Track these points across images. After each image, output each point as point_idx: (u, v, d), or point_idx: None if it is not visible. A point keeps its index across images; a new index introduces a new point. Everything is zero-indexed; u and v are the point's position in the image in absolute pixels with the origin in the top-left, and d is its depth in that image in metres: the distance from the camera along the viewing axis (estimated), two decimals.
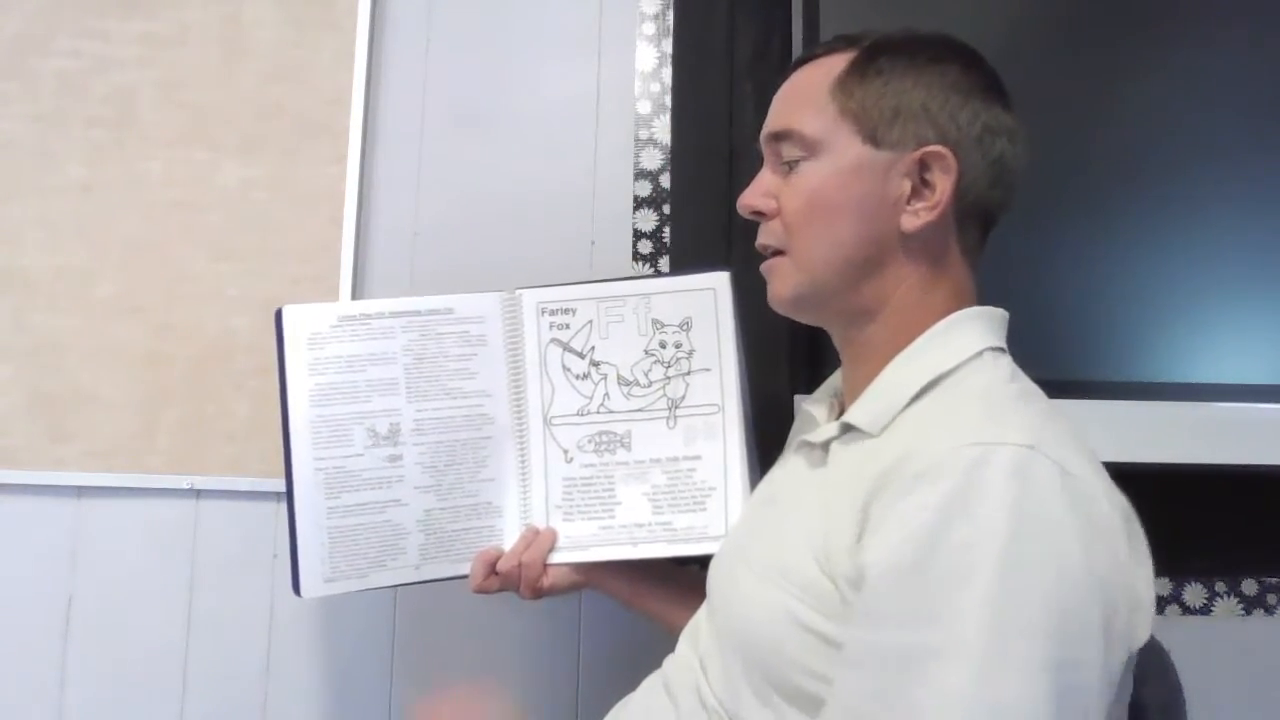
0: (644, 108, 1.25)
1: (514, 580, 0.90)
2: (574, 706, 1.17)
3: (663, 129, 1.24)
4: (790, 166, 0.77)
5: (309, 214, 1.19)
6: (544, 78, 1.25)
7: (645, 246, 1.23)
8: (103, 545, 1.15)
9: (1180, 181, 1.21)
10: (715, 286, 0.92)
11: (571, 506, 0.91)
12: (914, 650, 0.56)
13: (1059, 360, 1.11)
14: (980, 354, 0.71)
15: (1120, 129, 1.21)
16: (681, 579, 0.95)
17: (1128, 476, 0.67)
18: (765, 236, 0.79)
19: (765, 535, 0.76)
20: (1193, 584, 1.24)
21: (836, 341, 0.81)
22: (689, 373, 0.91)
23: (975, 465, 0.58)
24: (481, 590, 0.90)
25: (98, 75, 1.18)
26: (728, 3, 1.26)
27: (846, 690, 0.60)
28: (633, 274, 1.21)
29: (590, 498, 0.91)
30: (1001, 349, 0.74)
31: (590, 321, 0.93)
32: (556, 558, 0.90)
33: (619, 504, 0.91)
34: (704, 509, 0.89)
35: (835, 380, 0.87)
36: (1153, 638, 0.76)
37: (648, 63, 1.26)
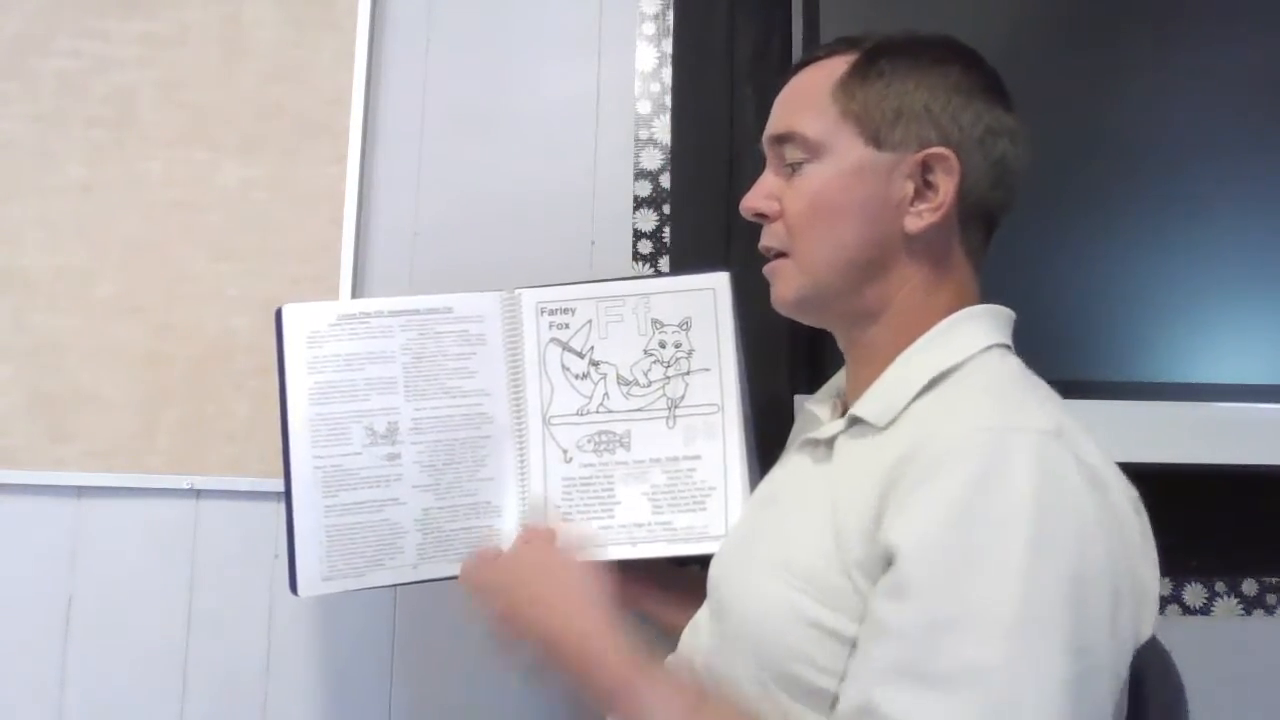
0: (644, 108, 1.25)
1: None
2: (574, 706, 1.17)
3: (663, 129, 1.24)
4: (793, 169, 0.77)
5: (309, 214, 1.19)
6: (544, 78, 1.25)
7: (645, 246, 1.23)
8: (103, 545, 1.15)
9: (1180, 181, 1.21)
10: (715, 286, 0.92)
11: (570, 506, 0.91)
12: (942, 622, 0.57)
13: (1059, 360, 1.11)
14: (988, 349, 0.72)
15: (1118, 129, 1.21)
16: (681, 579, 0.95)
17: (1128, 476, 0.67)
18: (768, 239, 0.79)
19: (767, 532, 0.76)
20: (1193, 584, 1.24)
21: (840, 343, 0.81)
22: (688, 372, 0.91)
23: (999, 448, 0.60)
24: None
25: (98, 75, 1.18)
26: (728, 3, 1.26)
27: (872, 660, 0.60)
28: (633, 274, 1.21)
29: (589, 498, 0.91)
30: (1008, 347, 0.74)
31: (590, 321, 0.93)
32: None
33: (618, 504, 0.91)
34: (704, 509, 0.89)
35: (838, 381, 0.88)
36: (1154, 638, 0.77)
37: (648, 63, 1.26)
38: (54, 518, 1.15)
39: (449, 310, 0.93)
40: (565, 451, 0.92)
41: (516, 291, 0.94)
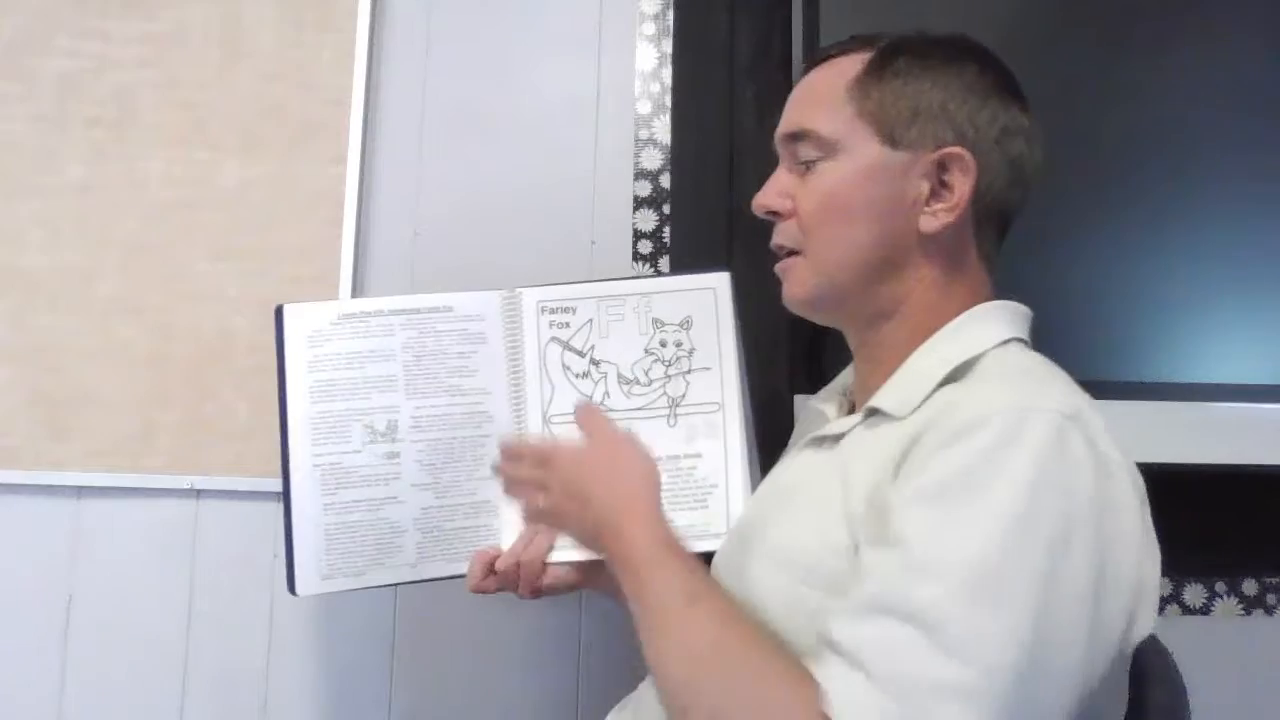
0: (644, 108, 1.25)
1: (512, 580, 0.90)
2: (574, 706, 1.17)
3: (663, 129, 1.24)
4: (807, 167, 0.76)
5: (309, 214, 1.19)
6: (544, 78, 1.25)
7: (645, 246, 1.23)
8: (103, 545, 1.15)
9: (1180, 182, 1.21)
10: (715, 286, 0.92)
11: None
12: (914, 566, 0.58)
13: (1059, 361, 1.11)
14: (1006, 343, 0.72)
15: (1118, 130, 1.21)
16: None
17: None
18: (781, 237, 0.79)
19: (770, 526, 0.76)
20: (1193, 584, 1.24)
21: (851, 342, 0.81)
22: (689, 371, 0.91)
23: (1015, 423, 0.60)
24: (479, 590, 0.90)
25: (98, 75, 1.18)
26: (728, 3, 1.26)
27: (847, 600, 0.61)
28: (633, 274, 1.21)
29: None
30: (1026, 342, 0.74)
31: (590, 320, 0.93)
32: (556, 557, 0.90)
33: None
34: (705, 506, 0.89)
35: (843, 379, 0.87)
36: (1156, 640, 0.76)
37: (648, 63, 1.26)
38: (54, 518, 1.15)
39: (449, 309, 0.93)
40: None
41: (517, 290, 0.94)
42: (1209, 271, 1.20)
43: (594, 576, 0.92)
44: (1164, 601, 1.22)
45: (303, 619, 1.16)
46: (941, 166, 0.72)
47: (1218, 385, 1.18)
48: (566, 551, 0.90)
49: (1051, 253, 1.16)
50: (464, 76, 1.24)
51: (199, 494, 1.16)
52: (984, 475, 0.59)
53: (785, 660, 0.63)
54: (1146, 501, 0.65)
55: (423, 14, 1.24)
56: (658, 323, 0.92)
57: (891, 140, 0.73)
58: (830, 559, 0.66)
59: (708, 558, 0.84)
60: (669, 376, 0.91)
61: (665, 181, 1.24)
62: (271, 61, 1.20)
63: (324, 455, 0.89)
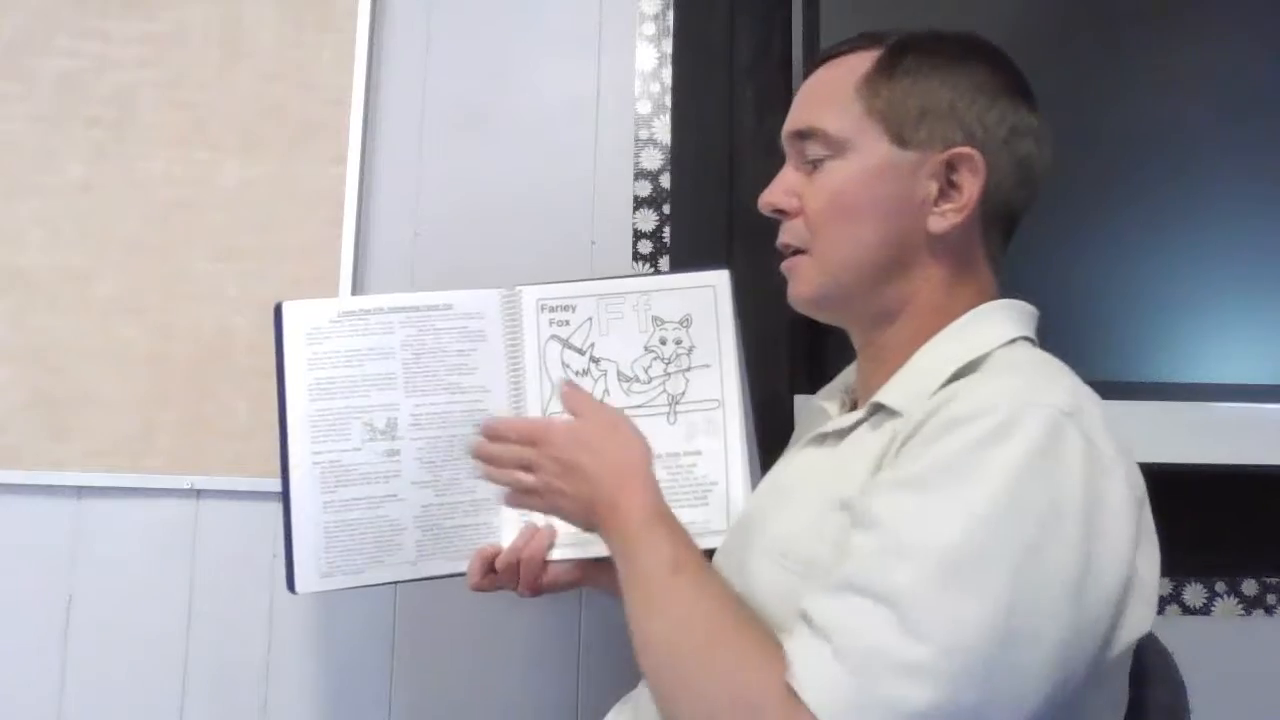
0: (644, 108, 1.25)
1: (512, 577, 0.90)
2: (574, 706, 1.17)
3: (663, 129, 1.24)
4: (814, 165, 0.76)
5: (309, 214, 1.19)
6: (544, 78, 1.25)
7: (645, 246, 1.23)
8: (103, 545, 1.15)
9: (1180, 182, 1.21)
10: (715, 284, 0.92)
11: None
12: (891, 548, 0.59)
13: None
14: (1013, 342, 0.72)
15: (1118, 130, 1.21)
16: None
17: None
18: (787, 235, 0.79)
19: (771, 522, 0.76)
20: (1193, 584, 1.24)
21: (855, 341, 0.81)
22: (689, 369, 0.91)
23: (1014, 417, 0.60)
24: (479, 588, 0.90)
25: (98, 75, 1.18)
26: (728, 3, 1.26)
27: (832, 575, 0.61)
28: (633, 272, 1.21)
29: None
30: (1033, 341, 0.74)
31: (590, 318, 0.93)
32: (556, 554, 0.90)
33: None
34: (706, 504, 0.89)
35: (845, 378, 0.87)
36: (1156, 640, 0.76)
37: (648, 63, 1.26)
38: (54, 518, 1.15)
39: (449, 307, 0.93)
40: None
41: (517, 288, 0.94)
42: (1209, 271, 1.20)
43: (594, 574, 0.93)
44: (1164, 601, 1.22)
45: (303, 619, 1.16)
46: (950, 167, 0.72)
47: (1218, 385, 1.18)
48: (567, 549, 0.90)
49: (1051, 252, 1.16)
50: (464, 76, 1.24)
51: (199, 494, 1.16)
52: (972, 464, 0.59)
53: (759, 631, 0.64)
54: (1146, 499, 0.65)
55: (423, 14, 1.24)
56: (657, 320, 0.92)
57: (900, 139, 0.73)
58: (827, 551, 0.66)
59: (708, 555, 0.84)
60: (669, 374, 0.91)
61: (665, 181, 1.24)
62: (271, 61, 1.20)
63: (323, 453, 0.89)
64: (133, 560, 1.15)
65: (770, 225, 0.81)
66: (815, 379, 1.05)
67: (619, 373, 0.92)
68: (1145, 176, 1.21)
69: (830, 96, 0.76)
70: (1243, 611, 1.24)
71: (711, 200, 1.23)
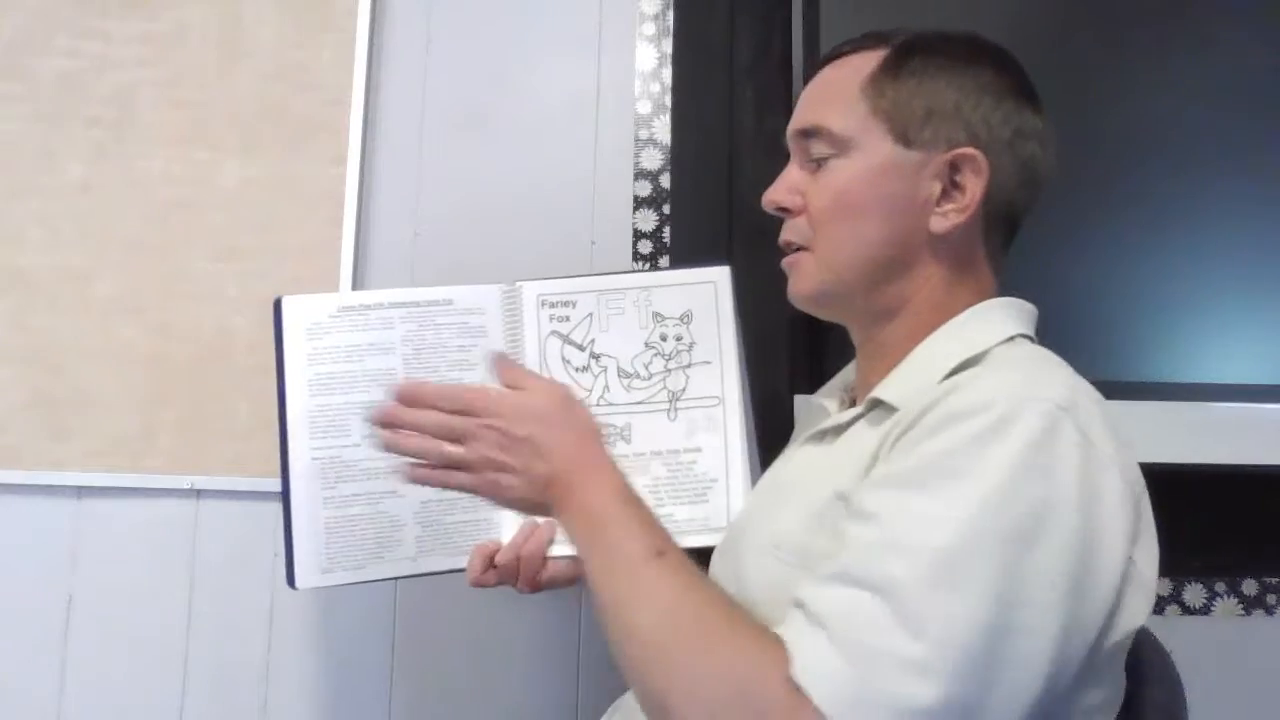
0: (644, 108, 1.25)
1: (512, 574, 0.90)
2: (574, 706, 1.17)
3: (663, 129, 1.24)
4: (818, 163, 0.76)
5: (309, 214, 1.19)
6: (544, 78, 1.25)
7: (645, 246, 1.23)
8: (103, 545, 1.15)
9: (1180, 182, 1.21)
10: (715, 280, 0.92)
11: None
12: (886, 541, 0.59)
13: None
14: (1013, 339, 0.72)
15: (1119, 130, 1.21)
16: None
17: None
18: (790, 233, 0.79)
19: (769, 519, 0.76)
20: (1193, 584, 1.24)
21: (855, 338, 0.81)
22: (689, 365, 0.91)
23: (1011, 412, 0.60)
24: (479, 584, 0.90)
25: (98, 75, 1.18)
26: (728, 3, 1.26)
27: (827, 565, 0.61)
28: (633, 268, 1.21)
29: None
30: (1033, 339, 0.74)
31: (591, 314, 0.93)
32: (556, 550, 0.90)
33: None
34: (706, 500, 0.89)
35: (844, 376, 0.88)
36: (1154, 638, 0.76)
37: (648, 63, 1.26)
38: (54, 518, 1.15)
39: (450, 302, 0.93)
40: None
41: (517, 284, 0.94)
42: (1209, 271, 1.20)
43: None
44: (1164, 601, 1.22)
45: (303, 618, 1.16)
46: (954, 167, 0.72)
47: (1218, 385, 1.18)
48: (567, 545, 0.90)
49: (1051, 253, 1.16)
50: (464, 76, 1.24)
51: (199, 494, 1.16)
52: (968, 459, 0.59)
53: (750, 620, 0.63)
54: (1145, 494, 0.65)
55: (423, 14, 1.25)
56: (658, 316, 0.92)
57: (905, 139, 0.73)
58: (822, 542, 0.66)
59: (709, 552, 0.84)
60: (669, 370, 0.92)
61: (665, 181, 1.24)
62: (271, 61, 1.20)
63: (323, 448, 0.89)
64: (133, 560, 1.15)
65: (770, 226, 0.81)
66: (815, 378, 1.05)
67: (619, 369, 0.92)
68: (1145, 177, 1.21)
69: (835, 95, 0.76)
70: (1242, 611, 1.24)
71: (711, 200, 1.23)
